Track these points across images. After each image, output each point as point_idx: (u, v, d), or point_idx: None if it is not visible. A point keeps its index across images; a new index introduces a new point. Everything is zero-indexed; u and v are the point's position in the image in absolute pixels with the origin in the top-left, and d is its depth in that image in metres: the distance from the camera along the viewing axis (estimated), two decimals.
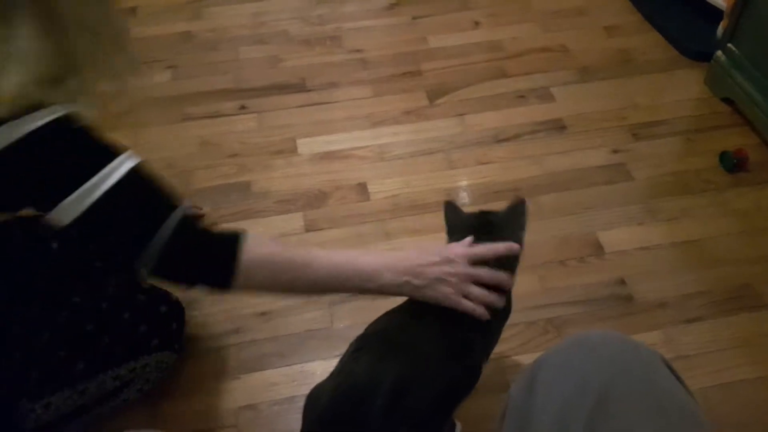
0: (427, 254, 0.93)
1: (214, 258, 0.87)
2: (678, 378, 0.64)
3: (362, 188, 1.58)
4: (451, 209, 1.03)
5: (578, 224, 1.47)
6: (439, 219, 1.49)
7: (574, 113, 1.75)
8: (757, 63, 1.64)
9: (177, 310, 1.19)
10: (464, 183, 1.59)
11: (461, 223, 1.01)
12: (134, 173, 0.82)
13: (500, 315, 0.98)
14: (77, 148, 0.79)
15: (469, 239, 0.96)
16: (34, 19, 0.73)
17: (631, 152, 1.64)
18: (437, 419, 0.89)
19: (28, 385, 0.98)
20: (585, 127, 1.71)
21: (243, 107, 1.80)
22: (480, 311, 0.91)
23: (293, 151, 1.68)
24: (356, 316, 1.31)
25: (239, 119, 1.76)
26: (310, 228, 1.49)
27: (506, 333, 1.26)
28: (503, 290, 0.95)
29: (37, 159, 0.77)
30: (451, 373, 0.89)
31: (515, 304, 1.30)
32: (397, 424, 0.82)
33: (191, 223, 0.87)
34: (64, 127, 0.78)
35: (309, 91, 1.86)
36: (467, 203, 1.54)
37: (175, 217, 0.85)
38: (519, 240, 0.97)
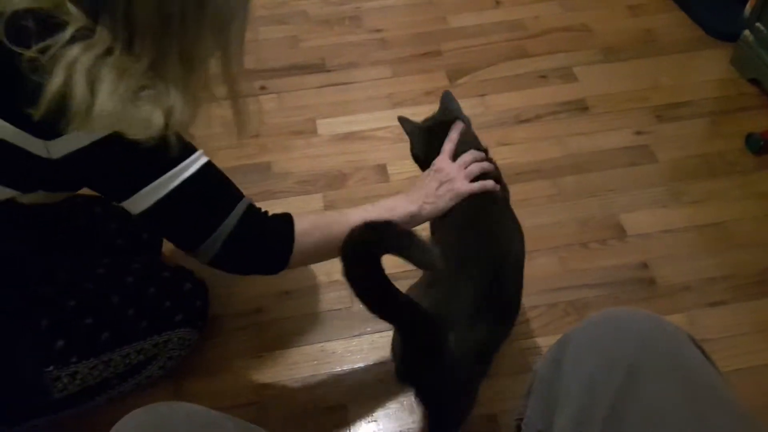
0: (424, 180, 1.08)
1: (270, 248, 0.99)
2: (706, 356, 0.64)
3: (382, 169, 1.58)
4: (404, 121, 1.18)
5: (600, 206, 1.46)
6: None
7: (597, 94, 1.72)
8: None
9: (201, 288, 1.20)
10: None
11: (416, 128, 1.17)
12: (204, 169, 0.91)
13: (505, 192, 1.10)
14: (158, 145, 0.82)
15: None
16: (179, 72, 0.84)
17: (654, 134, 1.62)
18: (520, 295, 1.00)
19: (55, 352, 1.00)
20: (608, 108, 1.69)
21: (263, 87, 1.80)
22: (489, 184, 1.05)
23: (313, 131, 1.68)
24: None
25: (259, 99, 1.76)
26: (329, 208, 1.49)
27: (527, 315, 1.27)
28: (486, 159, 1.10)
29: (120, 154, 0.84)
30: (514, 251, 0.98)
31: (536, 286, 1.31)
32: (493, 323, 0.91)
33: (254, 213, 0.98)
34: None
35: (328, 71, 1.85)
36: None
37: (240, 207, 0.94)
38: (461, 119, 1.13)
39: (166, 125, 0.82)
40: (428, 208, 1.04)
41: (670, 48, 1.86)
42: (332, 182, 1.55)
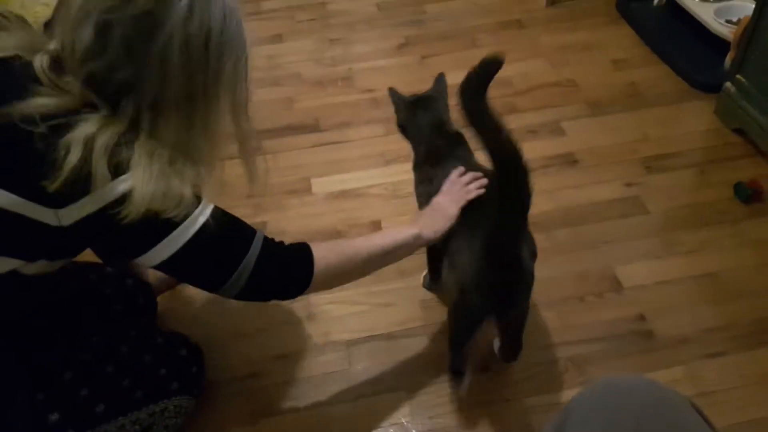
0: (423, 215, 1.19)
1: (293, 275, 1.02)
2: (707, 420, 0.64)
3: (376, 226, 1.59)
4: (393, 93, 1.36)
5: (595, 259, 1.47)
6: None
7: (586, 147, 1.76)
8: (767, 93, 1.64)
9: (197, 354, 1.19)
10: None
11: (401, 101, 1.33)
12: (214, 215, 0.92)
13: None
14: None
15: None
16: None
17: (644, 185, 1.64)
18: None
19: (50, 425, 0.98)
20: (597, 161, 1.72)
21: (257, 150, 1.82)
22: (472, 195, 1.17)
23: (307, 190, 1.70)
24: (375, 358, 1.31)
25: (267, 159, 1.78)
26: None
27: (527, 372, 1.27)
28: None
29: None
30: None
31: (535, 342, 1.31)
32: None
33: (272, 245, 1.01)
34: None
35: (322, 131, 1.88)
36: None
37: (257, 243, 0.97)
38: (447, 105, 1.31)
39: (197, 198, 0.90)
40: (428, 233, 1.15)
41: (655, 100, 1.91)
42: (327, 240, 1.55)
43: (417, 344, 1.33)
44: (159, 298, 1.38)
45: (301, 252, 1.03)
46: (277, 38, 2.26)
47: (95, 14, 0.79)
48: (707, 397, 1.22)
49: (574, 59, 2.08)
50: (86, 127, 0.79)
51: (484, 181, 1.18)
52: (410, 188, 1.65)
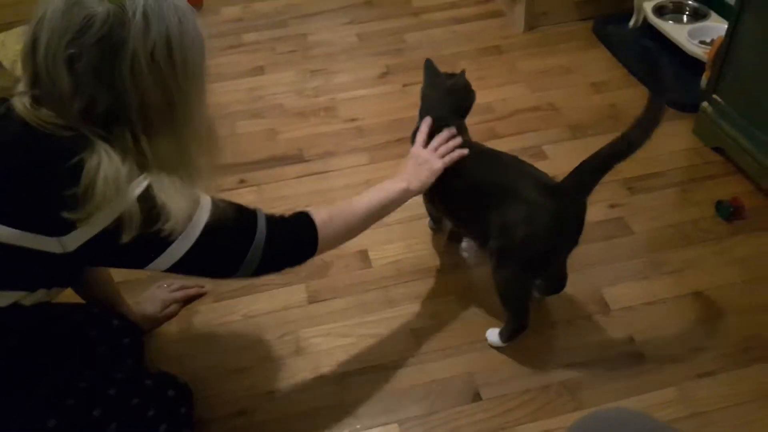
0: (405, 164, 1.30)
1: (302, 240, 1.09)
2: None
3: (363, 255, 1.58)
4: (428, 66, 1.44)
5: (582, 282, 1.47)
6: (444, 282, 1.51)
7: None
8: (743, 111, 1.67)
9: (185, 394, 1.17)
10: (465, 244, 1.60)
11: (431, 77, 1.43)
12: (215, 208, 0.96)
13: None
14: None
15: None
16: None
17: (628, 206, 1.66)
18: None
19: None
20: None
21: (242, 181, 1.83)
22: (456, 154, 1.29)
23: None
24: (366, 390, 1.29)
25: (239, 193, 1.78)
26: (313, 299, 1.48)
27: (520, 399, 1.26)
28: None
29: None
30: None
31: (526, 368, 1.30)
32: None
33: (275, 218, 1.06)
34: None
35: (306, 161, 1.89)
36: (470, 263, 1.54)
37: (261, 219, 1.02)
38: (467, 100, 1.43)
39: (213, 201, 0.95)
40: (415, 184, 1.24)
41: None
42: (314, 272, 1.54)
43: (409, 374, 1.32)
44: (146, 337, 1.36)
45: (303, 220, 1.09)
46: (259, 70, 2.28)
47: (60, 52, 0.81)
48: (701, 417, 1.21)
49: (554, 83, 2.11)
50: (90, 157, 0.83)
51: (459, 140, 1.30)
52: (396, 216, 1.66)
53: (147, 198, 0.87)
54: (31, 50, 0.83)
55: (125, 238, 0.86)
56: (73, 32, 0.80)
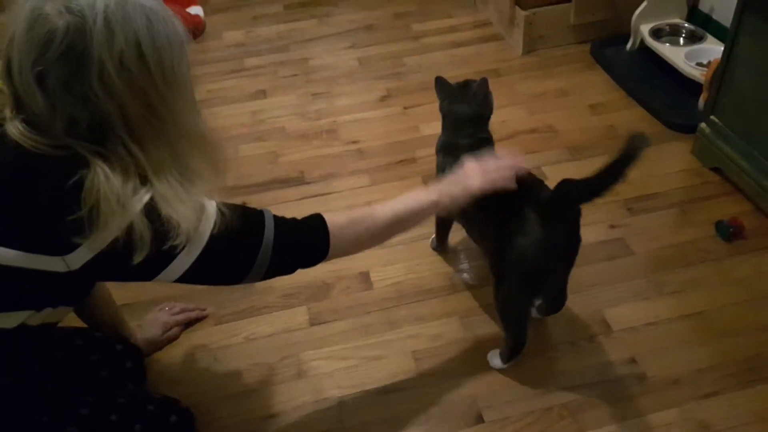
0: (450, 176, 1.21)
1: (312, 242, 1.05)
2: None
3: (365, 277, 1.59)
4: (439, 81, 1.44)
5: (584, 303, 1.47)
6: (446, 303, 1.51)
7: None
8: (741, 132, 1.69)
9: (188, 419, 1.17)
10: (466, 265, 1.60)
11: (445, 92, 1.43)
12: (220, 213, 0.93)
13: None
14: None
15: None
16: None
17: (628, 227, 1.66)
18: None
19: None
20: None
21: (244, 203, 1.82)
22: (501, 183, 1.18)
23: None
24: (367, 414, 1.29)
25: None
26: (314, 321, 1.48)
27: (522, 422, 1.26)
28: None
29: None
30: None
31: (528, 390, 1.30)
32: None
33: (283, 220, 1.03)
34: None
35: (308, 183, 1.90)
36: (471, 285, 1.54)
37: (269, 221, 0.99)
38: (484, 107, 1.42)
39: (217, 206, 0.93)
40: (446, 199, 1.16)
41: None
42: (316, 293, 1.55)
43: (410, 397, 1.31)
44: (147, 361, 1.36)
45: (315, 222, 1.06)
46: (261, 94, 2.30)
47: (29, 72, 0.79)
48: None
49: (552, 105, 2.13)
50: (87, 175, 0.82)
51: (523, 172, 1.21)
52: (397, 237, 1.67)
53: (150, 210, 0.86)
54: (8, 73, 0.82)
55: (132, 253, 0.85)
56: (37, 50, 0.79)
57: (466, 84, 1.42)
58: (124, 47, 0.80)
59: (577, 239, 1.22)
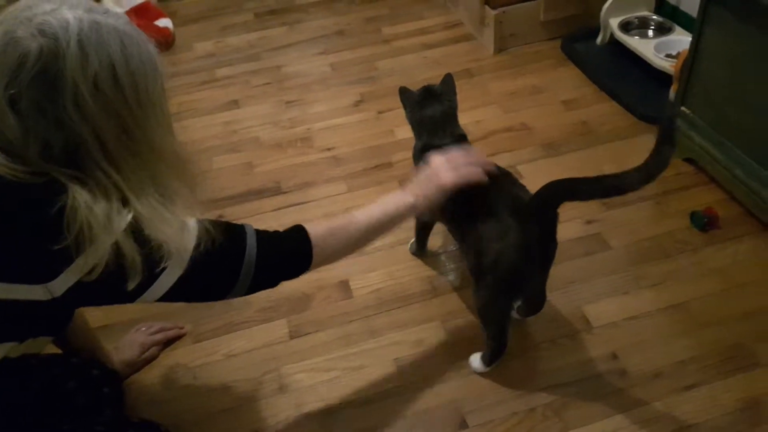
0: (418, 174, 1.23)
1: (295, 253, 1.06)
2: None
3: (345, 286, 1.58)
4: (403, 92, 1.44)
5: (564, 300, 1.47)
6: (427, 308, 1.50)
7: None
8: (711, 122, 1.70)
9: None
10: (446, 268, 1.60)
11: (412, 100, 1.41)
12: (202, 230, 0.93)
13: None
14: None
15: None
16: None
17: (604, 221, 1.67)
18: None
19: None
20: None
21: (221, 216, 1.82)
22: (474, 175, 1.20)
23: None
24: (351, 425, 1.28)
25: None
26: (295, 334, 1.47)
27: (507, 423, 1.25)
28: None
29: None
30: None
31: (511, 392, 1.30)
32: None
33: (265, 234, 1.03)
34: None
35: (284, 193, 1.88)
36: (452, 288, 1.54)
37: (251, 237, 1.00)
38: (454, 102, 1.40)
39: (198, 223, 0.93)
40: (422, 200, 1.18)
41: (607, 136, 1.96)
42: (295, 305, 1.53)
43: (394, 406, 1.30)
44: (126, 383, 1.34)
45: (297, 233, 1.07)
46: (234, 104, 2.28)
47: (1, 96, 0.78)
48: (691, 431, 1.21)
49: (526, 103, 2.14)
50: (66, 202, 0.81)
51: (490, 167, 1.23)
52: (376, 243, 1.67)
53: (136, 232, 0.85)
54: None
55: (126, 280, 0.85)
56: (9, 73, 0.78)
57: (427, 88, 1.42)
58: (99, 70, 0.80)
59: (554, 244, 1.21)
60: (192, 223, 0.93)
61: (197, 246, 0.92)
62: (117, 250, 0.84)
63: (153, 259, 0.87)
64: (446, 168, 1.19)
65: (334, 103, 2.24)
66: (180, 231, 0.90)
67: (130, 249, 0.85)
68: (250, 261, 0.98)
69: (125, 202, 0.86)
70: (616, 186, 1.08)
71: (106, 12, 0.85)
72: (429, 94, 1.40)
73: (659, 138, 1.05)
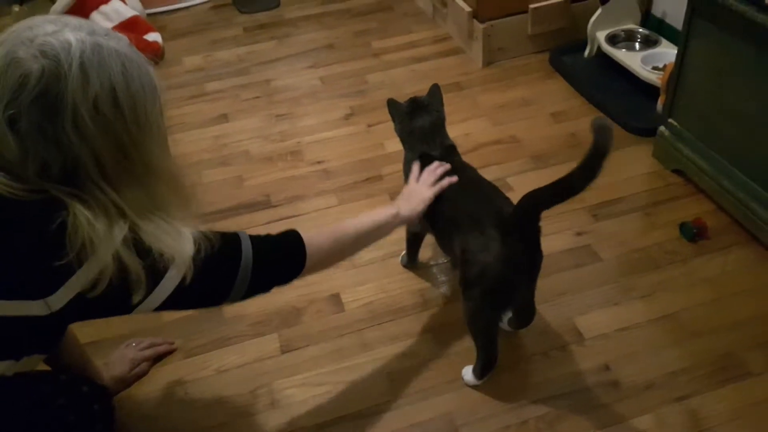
0: (398, 198, 1.35)
1: (289, 257, 1.09)
2: None
3: (336, 299, 1.57)
4: (391, 104, 1.47)
5: (555, 312, 1.47)
6: (419, 321, 1.50)
7: None
8: (698, 133, 1.72)
9: None
10: (437, 280, 1.60)
11: (401, 111, 1.44)
12: (200, 240, 0.94)
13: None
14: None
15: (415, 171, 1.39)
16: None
17: (594, 233, 1.68)
18: None
19: None
20: (546, 213, 1.68)
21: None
22: (445, 182, 1.33)
23: None
24: None
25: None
26: (286, 348, 1.46)
27: None
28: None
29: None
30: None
31: (503, 405, 1.29)
32: None
33: (260, 239, 1.05)
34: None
35: (275, 206, 1.88)
36: (444, 300, 1.54)
37: (246, 242, 1.01)
38: (442, 113, 1.45)
39: (193, 233, 0.94)
40: (405, 210, 1.29)
41: None
42: (286, 319, 1.53)
43: (387, 420, 1.30)
44: (117, 399, 1.32)
45: (291, 237, 1.10)
46: (223, 118, 2.28)
47: (0, 115, 0.79)
48: None
49: (514, 115, 2.15)
50: (66, 218, 0.82)
51: (447, 166, 1.34)
52: (367, 256, 1.67)
53: (133, 244, 0.87)
54: None
55: (131, 293, 0.87)
56: (10, 93, 0.79)
57: (414, 99, 1.44)
58: (99, 92, 0.81)
59: (539, 255, 1.22)
60: (189, 233, 0.95)
61: (198, 252, 0.93)
62: (119, 264, 0.85)
63: (156, 268, 0.89)
64: (422, 185, 1.33)
65: (324, 117, 2.25)
66: (179, 239, 0.91)
67: (132, 261, 0.86)
68: (246, 265, 1.00)
69: (123, 216, 0.87)
70: (566, 188, 1.11)
71: (108, 34, 0.86)
72: (417, 105, 1.42)
73: (594, 136, 1.08)
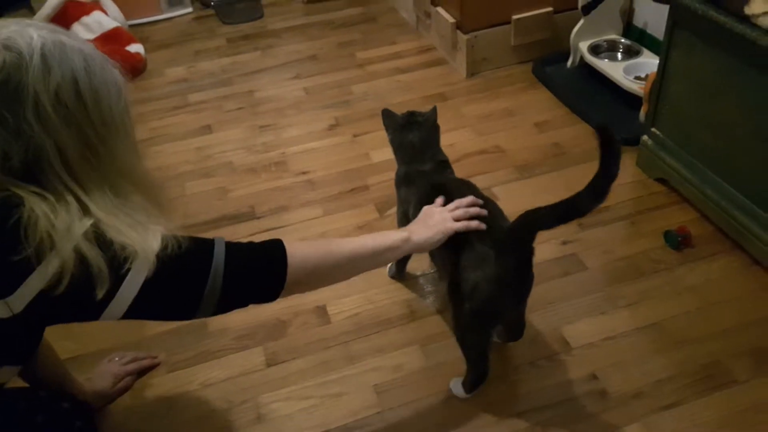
0: (415, 222, 1.23)
1: (267, 269, 0.99)
2: None
3: (322, 311, 1.56)
4: (386, 114, 1.44)
5: (542, 321, 1.47)
6: (405, 332, 1.49)
7: (518, 210, 1.72)
8: (681, 142, 1.73)
9: None
10: (424, 291, 1.59)
11: (395, 123, 1.42)
12: (163, 239, 0.89)
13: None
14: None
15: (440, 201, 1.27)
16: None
17: (580, 242, 1.68)
18: None
19: None
20: None
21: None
22: (473, 224, 1.18)
23: None
24: None
25: None
26: (272, 361, 1.44)
27: None
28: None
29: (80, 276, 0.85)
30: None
31: (491, 416, 1.28)
32: None
33: (237, 246, 0.98)
34: None
35: (259, 218, 1.86)
36: (431, 311, 1.53)
37: (219, 248, 0.95)
38: (437, 131, 1.45)
39: (162, 234, 0.90)
40: (418, 237, 1.16)
41: (579, 158, 1.98)
42: (272, 332, 1.51)
43: None
44: (100, 414, 1.30)
45: (272, 247, 1.01)
46: (206, 129, 2.26)
47: None
48: None
49: (499, 126, 2.16)
50: (26, 212, 0.80)
51: (484, 212, 1.21)
52: None
53: (95, 237, 0.84)
54: None
55: (94, 287, 0.84)
56: None
57: (411, 113, 1.43)
58: (61, 82, 0.82)
59: (530, 276, 1.20)
60: (158, 230, 0.91)
61: (164, 248, 0.89)
62: (81, 258, 0.82)
63: (117, 260, 0.85)
64: (448, 217, 1.19)
65: (309, 127, 2.24)
66: (144, 234, 0.88)
67: (94, 254, 0.83)
68: (217, 269, 0.93)
69: (86, 211, 0.86)
70: (571, 210, 1.09)
71: (71, 36, 0.87)
72: (413, 119, 1.41)
73: (602, 157, 1.08)
